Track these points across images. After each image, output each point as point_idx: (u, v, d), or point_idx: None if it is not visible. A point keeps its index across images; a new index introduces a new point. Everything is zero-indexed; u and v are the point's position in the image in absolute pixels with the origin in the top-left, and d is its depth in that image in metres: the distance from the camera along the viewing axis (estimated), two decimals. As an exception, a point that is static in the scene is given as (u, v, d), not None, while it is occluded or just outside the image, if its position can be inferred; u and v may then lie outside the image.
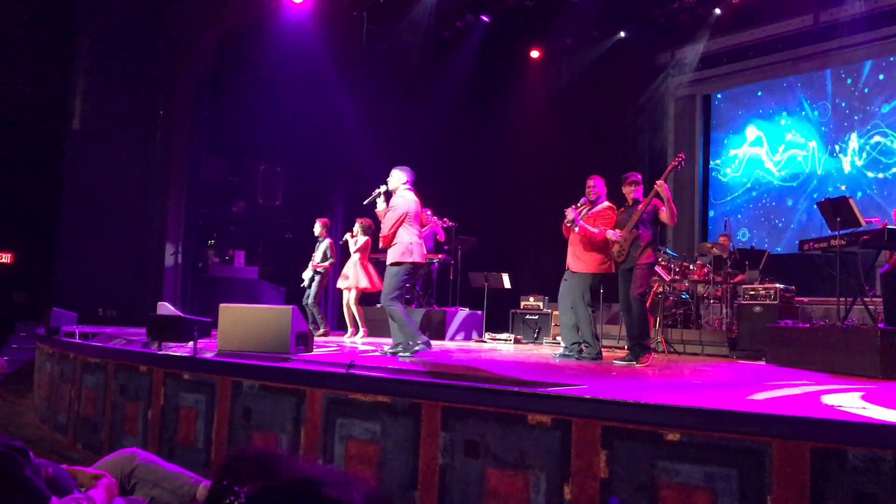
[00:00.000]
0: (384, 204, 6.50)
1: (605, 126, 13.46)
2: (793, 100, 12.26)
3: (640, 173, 6.72)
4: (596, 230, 6.37)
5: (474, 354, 7.12)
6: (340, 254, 9.94)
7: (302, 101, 12.53)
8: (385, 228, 6.31)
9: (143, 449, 3.68)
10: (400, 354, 6.11)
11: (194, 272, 11.95)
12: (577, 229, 6.39)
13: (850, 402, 3.88)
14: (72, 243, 11.04)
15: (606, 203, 6.60)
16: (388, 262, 6.32)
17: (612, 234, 6.30)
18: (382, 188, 6.51)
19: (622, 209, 6.47)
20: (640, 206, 6.22)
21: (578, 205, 6.58)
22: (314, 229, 9.62)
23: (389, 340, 6.55)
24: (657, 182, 6.13)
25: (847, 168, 11.40)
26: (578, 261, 6.53)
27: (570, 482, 3.19)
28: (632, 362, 6.13)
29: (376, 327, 9.54)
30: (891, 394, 4.30)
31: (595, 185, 6.62)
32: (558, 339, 9.62)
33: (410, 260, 6.26)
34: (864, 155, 11.19)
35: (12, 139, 11.29)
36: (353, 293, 9.07)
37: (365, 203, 6.70)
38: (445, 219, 10.61)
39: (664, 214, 6.18)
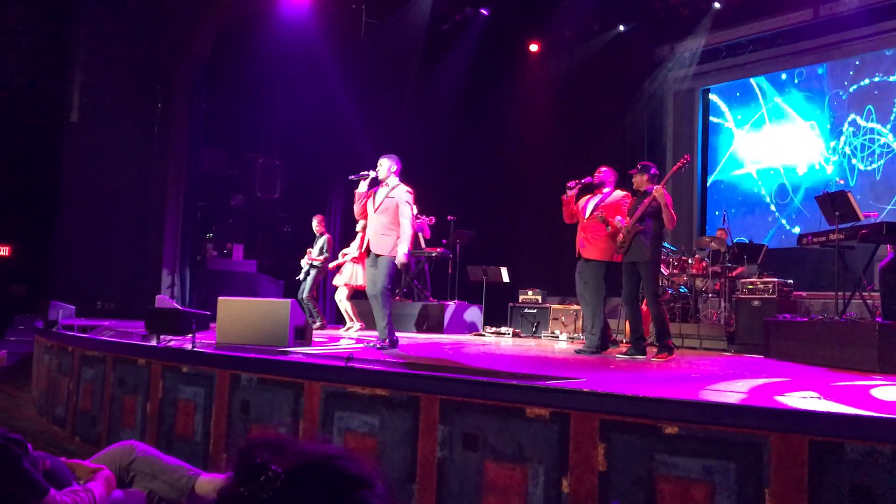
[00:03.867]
0: (365, 187, 6.30)
1: (603, 119, 13.45)
2: (792, 94, 12.25)
3: (652, 164, 6.64)
4: (621, 220, 6.34)
5: (473, 348, 7.12)
6: (338, 250, 9.96)
7: (301, 94, 12.50)
8: (406, 230, 6.11)
9: (141, 441, 3.68)
10: (385, 350, 6.02)
11: (193, 265, 11.95)
12: (609, 228, 6.34)
13: (846, 396, 3.89)
14: (70, 236, 11.04)
15: (622, 192, 6.57)
16: (384, 253, 6.11)
17: (619, 220, 6.26)
18: (372, 174, 6.29)
19: (634, 198, 6.38)
20: (646, 200, 6.08)
21: (581, 181, 6.56)
22: (312, 226, 9.66)
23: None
24: (655, 187, 6.06)
25: (846, 162, 11.40)
26: (592, 247, 6.48)
27: (569, 475, 3.20)
28: (635, 356, 6.12)
29: (371, 320, 9.55)
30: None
31: (602, 171, 6.62)
32: (556, 332, 9.67)
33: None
34: (864, 149, 11.18)
35: (10, 132, 11.26)
36: (345, 290, 9.10)
37: (350, 178, 6.40)
38: (432, 217, 10.64)
39: (664, 217, 6.05)
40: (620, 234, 6.23)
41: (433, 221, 10.61)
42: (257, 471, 1.16)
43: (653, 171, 6.33)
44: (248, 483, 1.16)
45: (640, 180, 6.28)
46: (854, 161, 11.31)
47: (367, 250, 6.25)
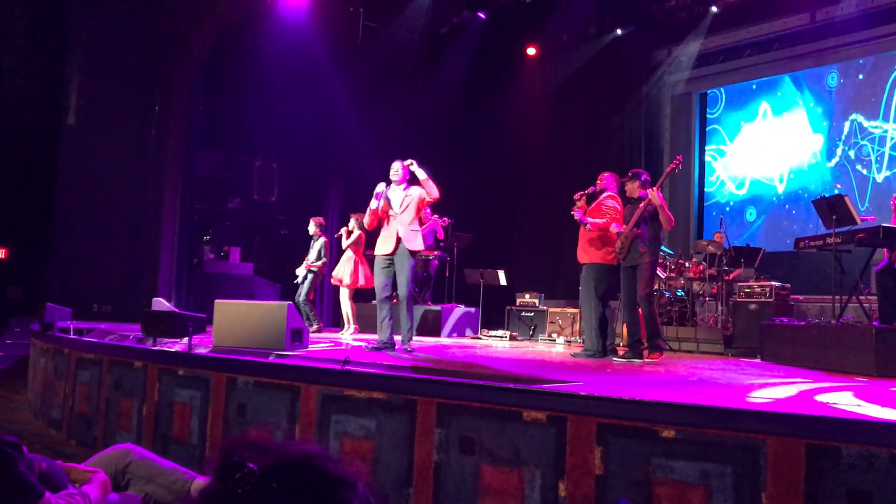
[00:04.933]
0: (377, 203, 6.41)
1: (601, 123, 13.46)
2: (789, 98, 12.27)
3: (643, 170, 6.72)
4: (603, 220, 6.39)
5: (470, 351, 7.12)
6: (335, 251, 9.96)
7: (298, 97, 12.50)
8: (431, 190, 6.25)
9: (137, 444, 3.67)
10: (405, 348, 6.20)
11: (189, 268, 11.93)
12: (587, 227, 6.42)
13: (843, 399, 3.89)
14: (67, 238, 11.01)
15: (610, 193, 6.64)
16: (410, 249, 6.25)
17: (615, 227, 6.31)
18: (382, 186, 6.43)
19: (628, 205, 6.47)
20: (642, 205, 6.18)
21: (585, 192, 6.62)
22: (308, 228, 9.62)
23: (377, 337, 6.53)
24: (649, 191, 6.13)
25: (843, 165, 11.42)
26: (585, 253, 6.58)
27: (565, 479, 3.19)
28: (632, 360, 6.13)
29: (368, 323, 9.58)
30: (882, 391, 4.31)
31: (604, 178, 6.70)
32: (554, 335, 9.67)
33: (424, 248, 6.41)
34: (862, 152, 11.21)
35: (7, 134, 11.24)
36: (346, 290, 9.10)
37: (373, 201, 6.54)
38: (445, 217, 10.62)
39: (661, 219, 6.15)
40: (618, 242, 6.28)
41: (447, 223, 10.58)
42: (234, 468, 1.15)
43: (644, 177, 6.46)
44: (224, 480, 1.15)
45: (632, 187, 6.40)
46: (855, 165, 11.32)
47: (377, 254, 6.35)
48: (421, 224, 6.68)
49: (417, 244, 6.30)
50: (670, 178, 6.69)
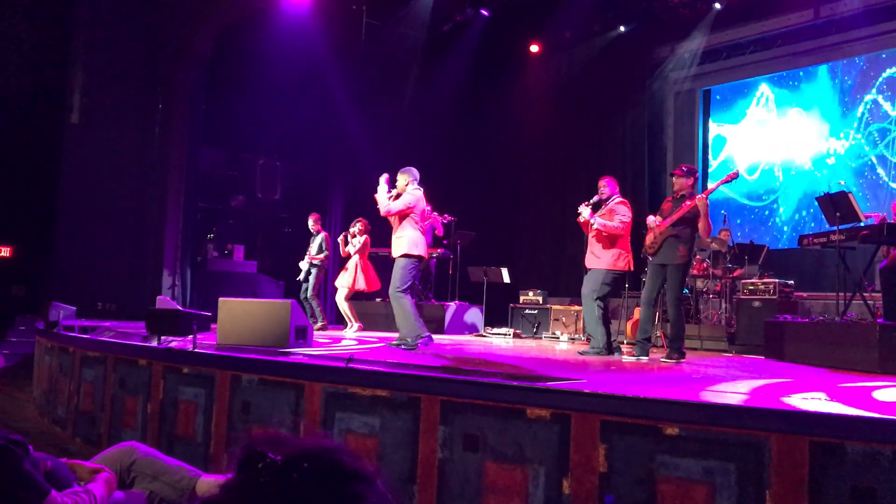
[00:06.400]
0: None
1: (604, 120, 13.44)
2: (793, 95, 12.24)
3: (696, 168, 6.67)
4: (613, 223, 6.38)
5: (473, 348, 7.12)
6: (336, 249, 9.98)
7: (301, 95, 12.50)
8: (389, 207, 6.41)
9: (142, 442, 3.68)
10: (403, 347, 6.22)
11: (193, 266, 11.95)
12: (595, 225, 6.40)
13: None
14: (70, 237, 11.04)
15: (620, 198, 6.63)
16: (395, 255, 6.39)
17: (651, 219, 6.27)
18: (393, 192, 6.55)
19: (670, 198, 6.40)
20: (686, 204, 6.06)
21: (591, 202, 6.61)
22: (308, 225, 9.68)
23: (384, 335, 6.57)
24: (699, 197, 6.02)
25: (846, 162, 11.39)
26: (595, 258, 6.56)
27: (569, 476, 3.20)
28: (639, 357, 6.12)
29: (371, 321, 9.62)
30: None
31: (607, 183, 6.71)
32: (557, 333, 9.68)
33: (417, 253, 6.39)
34: (863, 150, 11.19)
35: (11, 133, 11.27)
36: (345, 291, 9.15)
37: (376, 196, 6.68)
38: (446, 214, 10.61)
39: (700, 225, 6.04)
40: (650, 235, 6.23)
41: (447, 220, 10.57)
42: (256, 458, 1.18)
43: (691, 170, 6.39)
44: (246, 470, 1.18)
45: (682, 183, 6.26)
46: (861, 160, 11.30)
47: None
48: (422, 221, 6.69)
49: (398, 250, 6.38)
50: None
